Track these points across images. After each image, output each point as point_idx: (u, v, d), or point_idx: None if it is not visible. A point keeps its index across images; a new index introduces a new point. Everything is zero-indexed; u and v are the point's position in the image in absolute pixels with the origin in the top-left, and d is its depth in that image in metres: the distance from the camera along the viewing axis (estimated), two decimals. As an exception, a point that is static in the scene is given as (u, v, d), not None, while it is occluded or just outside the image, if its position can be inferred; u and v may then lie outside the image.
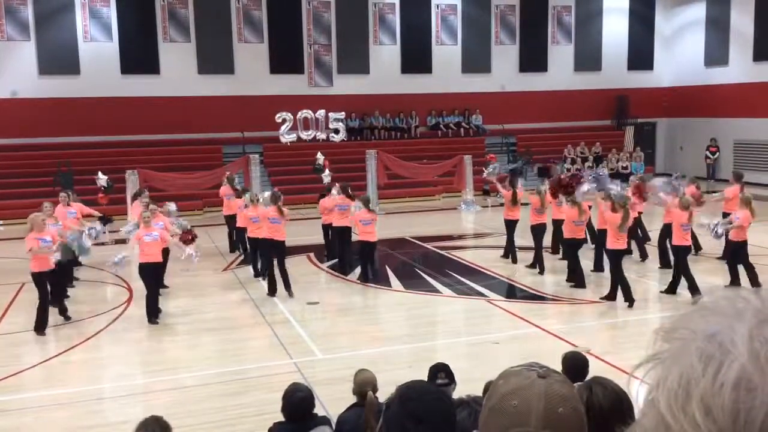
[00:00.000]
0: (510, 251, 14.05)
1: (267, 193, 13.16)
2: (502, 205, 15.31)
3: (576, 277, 12.06)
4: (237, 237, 15.25)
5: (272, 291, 12.06)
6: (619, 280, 10.97)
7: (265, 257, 12.64)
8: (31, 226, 10.23)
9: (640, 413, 0.75)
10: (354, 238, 13.75)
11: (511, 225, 13.90)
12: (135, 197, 14.81)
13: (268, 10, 24.58)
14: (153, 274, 10.95)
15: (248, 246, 13.94)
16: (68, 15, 22.79)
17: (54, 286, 10.81)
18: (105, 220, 13.55)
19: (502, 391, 1.30)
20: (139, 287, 11.52)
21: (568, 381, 1.36)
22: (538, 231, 13.36)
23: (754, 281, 11.15)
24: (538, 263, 13.20)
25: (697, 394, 0.67)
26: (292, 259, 14.31)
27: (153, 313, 10.76)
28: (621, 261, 11.12)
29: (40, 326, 10.27)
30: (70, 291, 12.20)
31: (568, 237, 12.17)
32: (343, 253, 14.02)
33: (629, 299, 10.80)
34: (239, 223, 14.51)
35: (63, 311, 10.98)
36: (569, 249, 12.46)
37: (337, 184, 14.41)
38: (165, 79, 23.72)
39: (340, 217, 13.73)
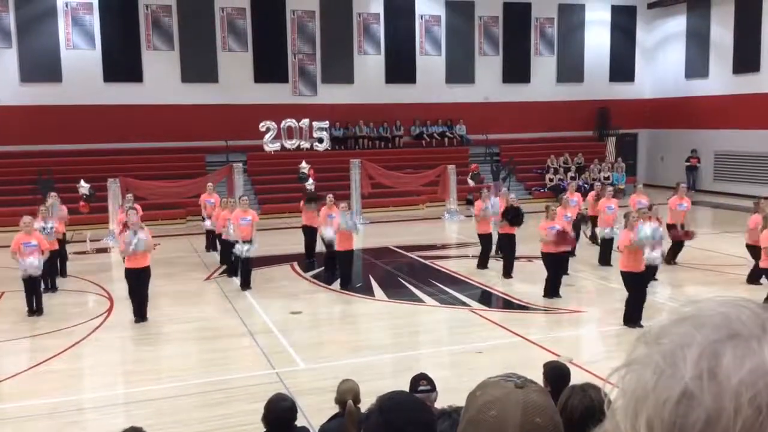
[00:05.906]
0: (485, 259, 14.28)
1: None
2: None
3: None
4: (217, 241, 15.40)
5: (232, 272, 13.52)
6: None
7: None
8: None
9: (606, 417, 0.77)
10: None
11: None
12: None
13: (252, 19, 24.57)
14: (138, 278, 11.05)
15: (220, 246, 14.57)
16: (50, 22, 22.64)
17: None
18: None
19: (479, 402, 1.30)
20: (121, 296, 11.44)
21: (545, 391, 1.37)
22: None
23: None
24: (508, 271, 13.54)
25: (645, 409, 0.69)
26: (275, 268, 14.26)
27: (139, 313, 11.12)
28: None
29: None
30: (51, 299, 12.15)
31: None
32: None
33: None
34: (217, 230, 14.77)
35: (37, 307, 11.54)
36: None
37: (330, 195, 14.37)
38: (148, 87, 23.61)
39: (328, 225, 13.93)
